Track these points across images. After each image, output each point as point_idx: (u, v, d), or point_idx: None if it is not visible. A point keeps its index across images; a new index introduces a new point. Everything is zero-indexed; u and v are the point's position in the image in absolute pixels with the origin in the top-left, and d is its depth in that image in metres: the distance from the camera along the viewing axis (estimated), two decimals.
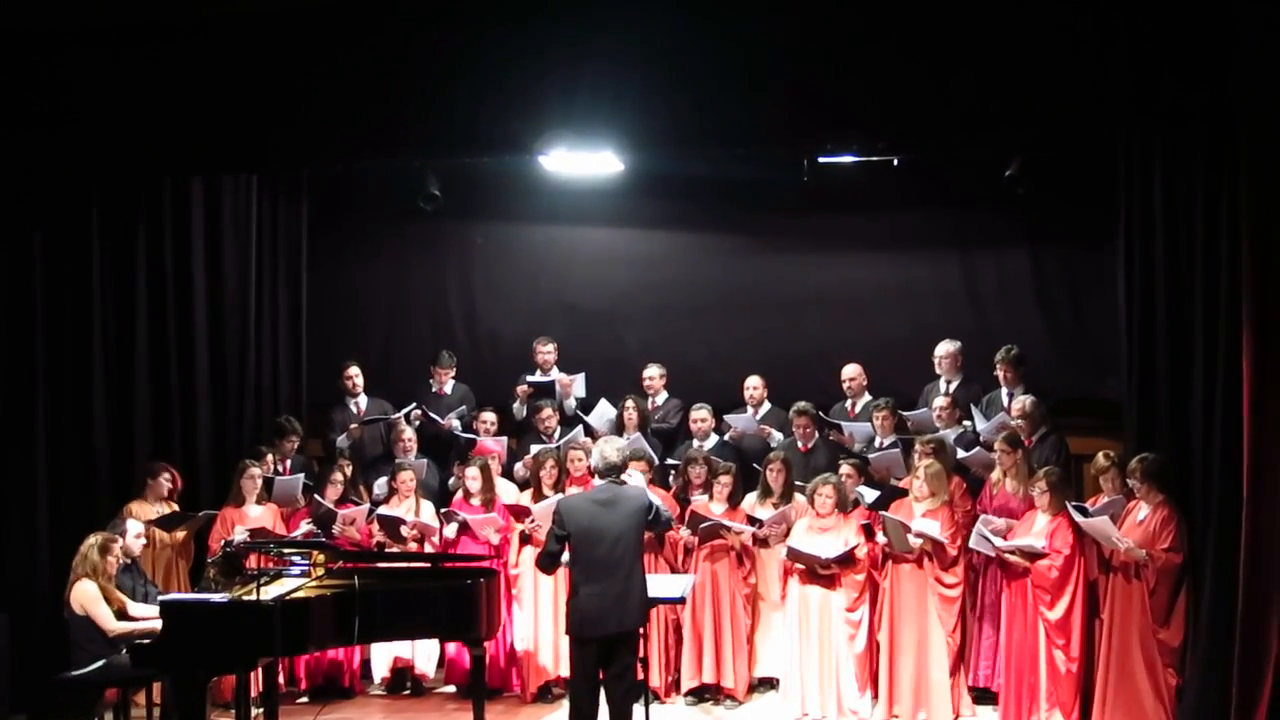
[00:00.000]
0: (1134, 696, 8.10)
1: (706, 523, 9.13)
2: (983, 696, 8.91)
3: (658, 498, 8.39)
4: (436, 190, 10.95)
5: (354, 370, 10.79)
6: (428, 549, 9.55)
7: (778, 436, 10.21)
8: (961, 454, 9.33)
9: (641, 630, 7.80)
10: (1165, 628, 8.06)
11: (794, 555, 8.87)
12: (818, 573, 8.82)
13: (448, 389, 10.98)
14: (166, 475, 9.44)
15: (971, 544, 8.62)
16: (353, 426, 10.57)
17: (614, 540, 7.52)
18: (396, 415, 10.54)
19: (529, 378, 10.88)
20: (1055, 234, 10.76)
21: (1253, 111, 7.29)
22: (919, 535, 8.61)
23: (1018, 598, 8.49)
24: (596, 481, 8.05)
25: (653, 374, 10.77)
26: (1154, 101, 7.74)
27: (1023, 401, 9.35)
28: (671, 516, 8.35)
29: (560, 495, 8.19)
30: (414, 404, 10.68)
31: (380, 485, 10.20)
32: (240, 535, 9.00)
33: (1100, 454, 8.73)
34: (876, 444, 9.80)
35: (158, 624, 7.69)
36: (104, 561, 8.10)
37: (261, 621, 7.50)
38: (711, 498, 9.42)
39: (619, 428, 10.24)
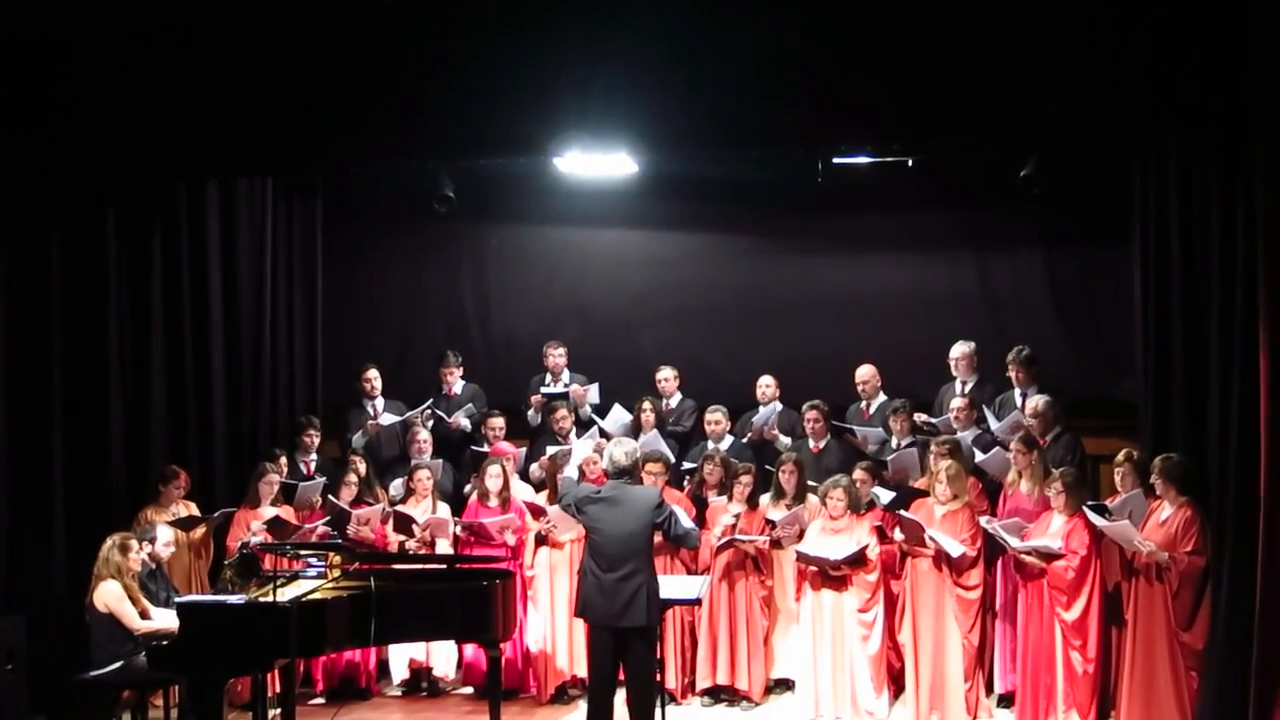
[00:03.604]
0: (1156, 699, 8.06)
1: (722, 540, 9.15)
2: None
3: (680, 509, 8.40)
4: (450, 192, 10.97)
5: (373, 373, 10.82)
6: (444, 548, 9.58)
7: (784, 440, 10.21)
8: (980, 457, 9.31)
9: (658, 632, 7.87)
10: (1188, 631, 8.01)
11: (804, 558, 8.87)
12: (830, 575, 8.82)
13: (457, 389, 11.00)
14: (177, 480, 9.47)
15: (985, 524, 8.62)
16: (370, 423, 10.59)
17: (617, 540, 7.69)
18: (412, 414, 10.57)
19: (544, 389, 10.89)
20: (1070, 235, 10.75)
21: (1268, 110, 7.26)
22: (933, 541, 8.61)
23: (1034, 599, 8.47)
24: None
25: (666, 375, 10.77)
26: (1169, 101, 7.73)
27: (1036, 401, 9.33)
28: (697, 536, 8.35)
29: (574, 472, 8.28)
30: (431, 401, 10.71)
31: (395, 486, 10.23)
32: (256, 538, 9.02)
33: (1123, 452, 8.69)
34: (893, 444, 9.79)
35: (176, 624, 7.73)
36: (126, 560, 8.13)
37: (278, 623, 7.51)
38: (731, 498, 9.42)
39: (635, 429, 10.24)
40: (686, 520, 8.14)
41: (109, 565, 8.10)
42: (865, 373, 10.35)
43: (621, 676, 7.79)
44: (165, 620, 8.04)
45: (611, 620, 7.63)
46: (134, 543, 8.26)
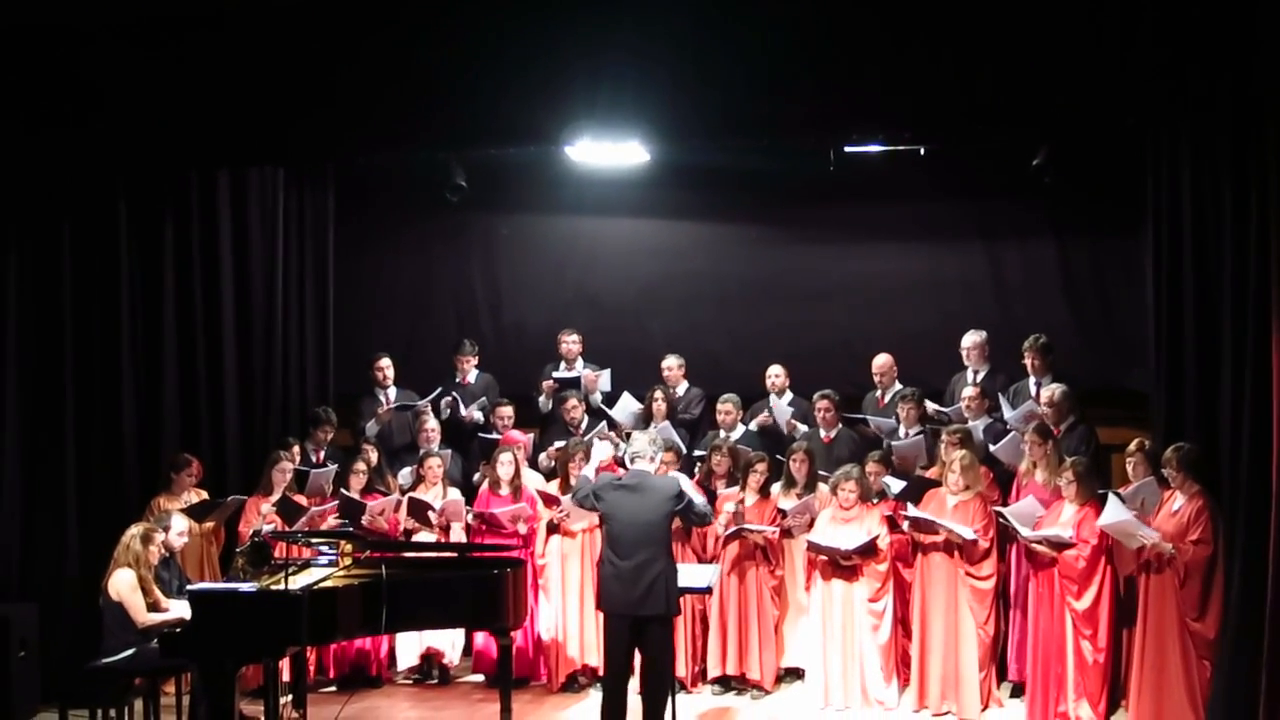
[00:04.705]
0: (1167, 689, 8.05)
1: (730, 529, 9.16)
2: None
3: (695, 491, 8.40)
4: (462, 181, 10.98)
5: (385, 362, 10.82)
6: (458, 532, 9.62)
7: (801, 429, 10.20)
8: (993, 447, 9.29)
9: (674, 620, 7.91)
10: (1200, 620, 8.00)
11: (814, 548, 8.88)
12: (840, 564, 8.82)
13: (471, 378, 11.00)
14: (190, 468, 9.49)
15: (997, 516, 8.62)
16: (381, 410, 10.60)
17: (638, 527, 7.69)
18: (424, 401, 10.55)
19: (555, 374, 10.89)
20: (1082, 224, 10.73)
21: (1279, 99, 7.24)
22: (948, 532, 8.59)
23: (1045, 588, 8.47)
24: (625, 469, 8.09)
25: (671, 364, 10.76)
26: (1180, 90, 7.71)
27: (1051, 390, 9.30)
28: (710, 513, 8.36)
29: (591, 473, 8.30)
30: (440, 389, 10.71)
31: (405, 475, 10.22)
32: (268, 526, 9.03)
33: (1134, 441, 8.69)
34: (901, 433, 9.79)
35: (186, 615, 7.76)
36: (146, 551, 8.13)
37: (289, 611, 7.52)
38: (745, 488, 9.41)
39: (647, 418, 10.25)
40: (699, 498, 8.18)
41: (128, 553, 8.10)
42: (882, 363, 10.34)
43: (635, 664, 7.80)
44: (172, 613, 8.05)
45: (630, 609, 7.63)
46: (157, 535, 8.27)
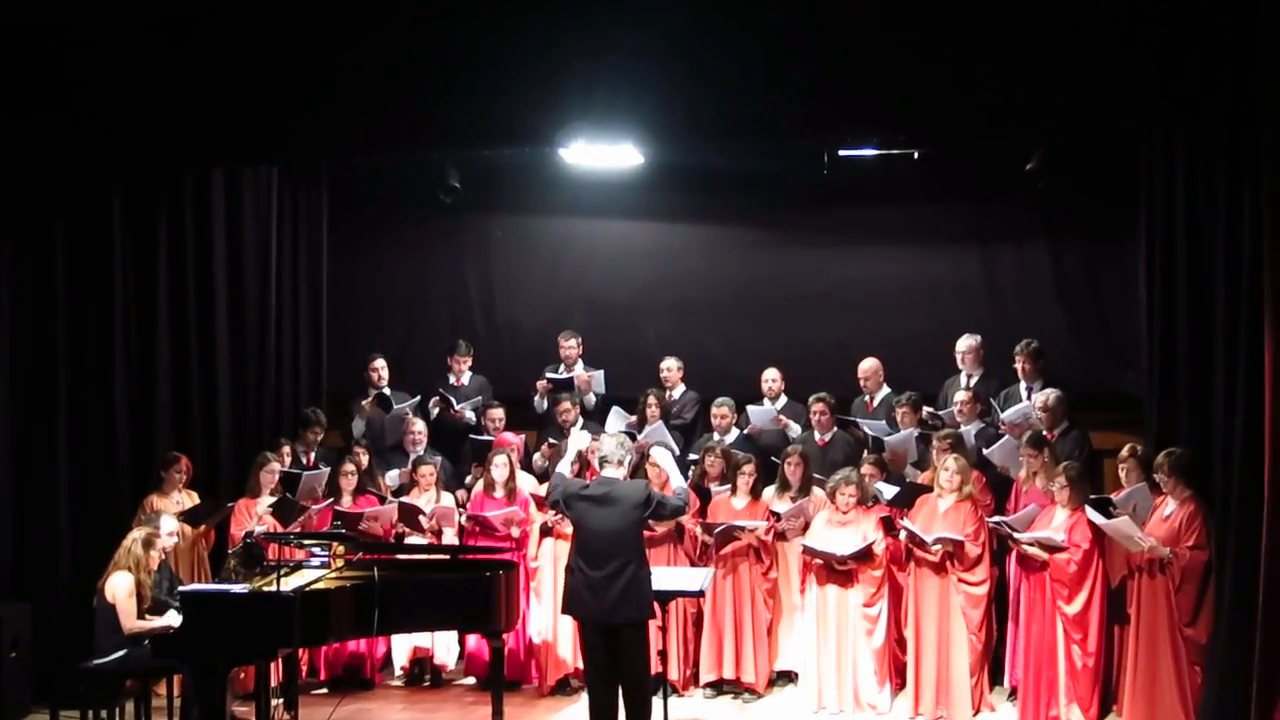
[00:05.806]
0: (1159, 694, 8.04)
1: (720, 527, 9.14)
2: None
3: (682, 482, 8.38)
4: (456, 182, 10.99)
5: (379, 363, 10.81)
6: (449, 537, 9.61)
7: (794, 427, 10.19)
8: (986, 450, 9.27)
9: (659, 625, 7.84)
10: (1192, 626, 8.00)
11: (810, 552, 8.86)
12: (835, 568, 8.82)
13: (465, 379, 10.99)
14: (179, 466, 9.46)
15: (992, 524, 8.61)
16: (364, 403, 10.58)
17: (604, 537, 7.57)
18: (407, 405, 10.51)
19: (549, 374, 10.88)
20: (1076, 228, 10.74)
21: (1275, 103, 7.24)
22: (938, 541, 8.57)
23: (1036, 592, 8.46)
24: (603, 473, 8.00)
25: (669, 366, 10.76)
26: (1175, 94, 7.70)
27: (1045, 395, 9.28)
28: (684, 504, 8.19)
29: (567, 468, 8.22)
30: (415, 400, 10.67)
31: (392, 476, 10.19)
32: (260, 528, 9.01)
33: (1127, 446, 8.69)
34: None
35: (176, 621, 7.75)
36: (147, 556, 8.11)
37: (281, 613, 7.52)
38: (734, 490, 9.41)
39: (640, 423, 10.23)
40: (676, 478, 8.13)
41: (129, 556, 8.09)
42: (868, 367, 10.34)
43: None
44: (159, 622, 8.03)
45: (603, 617, 7.54)
46: (159, 540, 8.25)
